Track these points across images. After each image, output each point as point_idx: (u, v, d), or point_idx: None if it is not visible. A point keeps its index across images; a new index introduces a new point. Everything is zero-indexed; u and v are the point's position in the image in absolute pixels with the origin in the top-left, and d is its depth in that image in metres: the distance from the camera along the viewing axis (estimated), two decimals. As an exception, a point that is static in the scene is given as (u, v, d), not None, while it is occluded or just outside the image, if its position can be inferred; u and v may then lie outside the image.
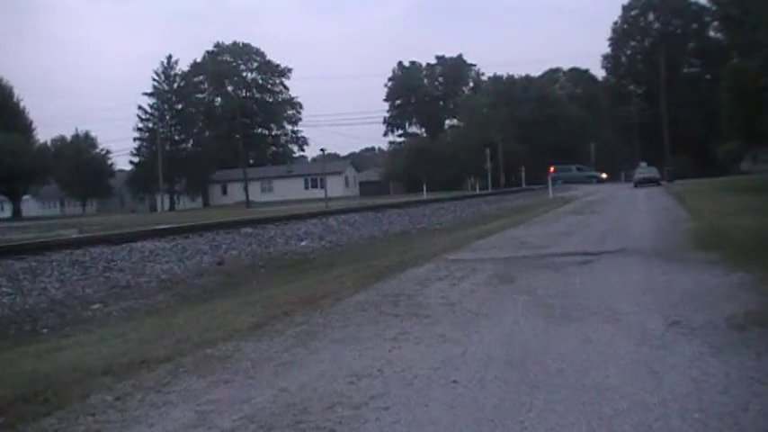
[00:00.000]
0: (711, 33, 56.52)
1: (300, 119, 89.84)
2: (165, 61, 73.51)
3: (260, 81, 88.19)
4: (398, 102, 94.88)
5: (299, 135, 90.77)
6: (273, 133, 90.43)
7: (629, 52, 68.53)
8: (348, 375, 3.53)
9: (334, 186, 60.32)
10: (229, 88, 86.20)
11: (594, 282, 6.12)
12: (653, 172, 42.42)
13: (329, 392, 3.26)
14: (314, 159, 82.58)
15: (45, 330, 7.34)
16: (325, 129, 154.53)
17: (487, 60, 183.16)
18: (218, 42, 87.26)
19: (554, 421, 2.76)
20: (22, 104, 61.80)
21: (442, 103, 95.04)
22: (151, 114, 72.43)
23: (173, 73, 74.00)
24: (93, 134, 75.21)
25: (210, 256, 12.45)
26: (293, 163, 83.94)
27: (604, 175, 57.09)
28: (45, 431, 3.01)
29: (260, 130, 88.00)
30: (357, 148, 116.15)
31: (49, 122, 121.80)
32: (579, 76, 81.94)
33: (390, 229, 18.20)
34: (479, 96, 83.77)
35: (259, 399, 3.24)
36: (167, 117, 72.89)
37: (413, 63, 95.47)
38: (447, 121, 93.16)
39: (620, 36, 67.55)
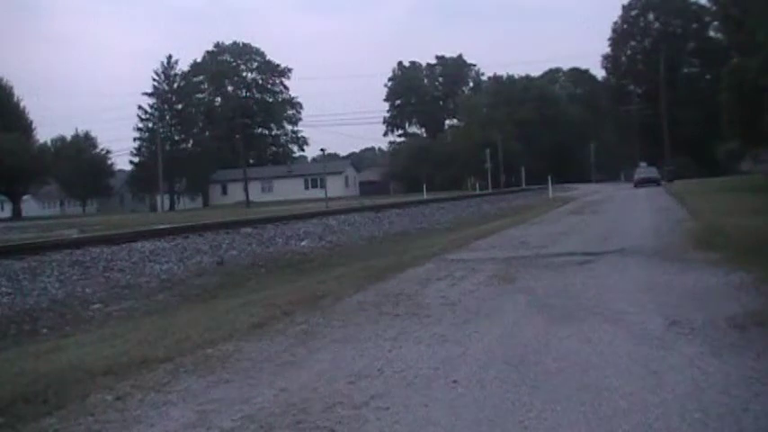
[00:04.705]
0: (711, 33, 56.57)
1: (300, 119, 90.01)
2: (165, 61, 73.61)
3: (260, 81, 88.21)
4: (398, 102, 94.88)
5: (299, 135, 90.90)
6: (273, 133, 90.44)
7: (629, 52, 68.56)
8: (348, 375, 3.53)
9: (334, 186, 60.32)
10: (229, 88, 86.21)
11: (594, 282, 6.11)
12: (653, 172, 42.43)
13: (329, 392, 3.26)
14: (314, 159, 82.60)
15: (45, 330, 7.34)
16: (325, 129, 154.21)
17: (487, 60, 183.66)
18: (218, 42, 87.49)
19: (554, 421, 2.76)
20: (22, 104, 61.81)
21: (441, 103, 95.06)
22: (151, 114, 72.42)
23: (173, 73, 74.01)
24: (93, 134, 75.32)
25: (210, 256, 12.45)
26: (293, 163, 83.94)
27: None
28: (45, 431, 3.01)
29: (260, 130, 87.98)
30: (357, 148, 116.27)
31: (49, 122, 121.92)
32: (579, 76, 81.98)
33: (390, 229, 18.19)
34: (479, 96, 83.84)
35: (259, 399, 3.24)
36: (167, 117, 72.85)
37: (413, 63, 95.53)
38: (447, 121, 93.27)
39: (620, 36, 67.56)
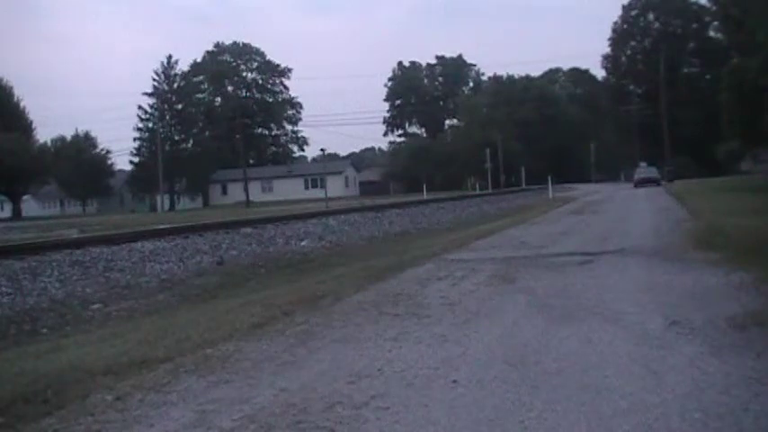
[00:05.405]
0: (711, 33, 56.59)
1: (300, 119, 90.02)
2: (165, 61, 73.59)
3: (260, 81, 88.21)
4: (398, 102, 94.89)
5: (299, 135, 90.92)
6: (273, 133, 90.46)
7: (629, 52, 68.58)
8: (348, 375, 3.53)
9: (334, 186, 60.31)
10: (229, 88, 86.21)
11: (594, 282, 6.11)
12: (653, 172, 42.43)
13: (329, 392, 3.26)
14: (314, 159, 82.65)
15: (45, 330, 7.34)
16: (325, 129, 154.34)
17: (487, 60, 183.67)
18: (218, 42, 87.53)
19: (554, 421, 2.75)
20: (22, 104, 61.81)
21: (442, 103, 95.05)
22: (151, 114, 72.37)
23: (173, 73, 73.95)
24: (93, 134, 75.27)
25: (210, 256, 12.45)
26: (293, 163, 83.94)
27: None
28: (45, 431, 3.01)
29: (260, 130, 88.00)
30: (357, 148, 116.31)
31: (49, 122, 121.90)
32: (579, 76, 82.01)
33: (390, 229, 18.19)
34: (479, 96, 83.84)
35: (259, 399, 3.24)
36: (167, 117, 72.82)
37: (413, 63, 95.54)
38: (447, 121, 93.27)
39: (620, 36, 67.59)
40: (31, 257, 10.71)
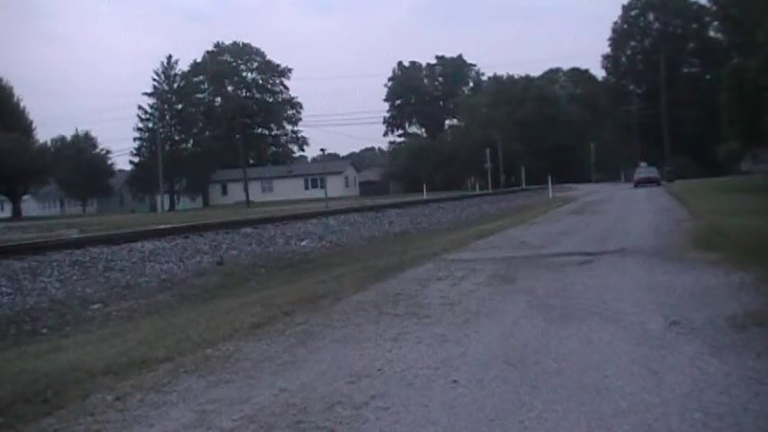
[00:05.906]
0: (711, 33, 56.67)
1: (300, 119, 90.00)
2: (165, 61, 73.62)
3: (260, 81, 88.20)
4: (398, 102, 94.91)
5: (299, 135, 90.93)
6: (273, 133, 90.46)
7: (629, 52, 68.68)
8: (348, 375, 3.53)
9: (334, 186, 60.32)
10: (229, 88, 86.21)
11: (594, 282, 6.11)
12: (653, 172, 42.44)
13: (329, 392, 3.26)
14: (314, 159, 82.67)
15: (45, 330, 7.35)
16: (325, 129, 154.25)
17: (487, 60, 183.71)
18: (218, 42, 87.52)
19: (554, 421, 2.75)
20: (22, 104, 61.77)
21: (442, 103, 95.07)
22: (151, 114, 72.37)
23: (173, 73, 74.00)
24: (93, 134, 75.19)
25: (210, 256, 12.45)
26: (293, 163, 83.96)
27: None
28: (45, 431, 3.01)
29: (260, 130, 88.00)
30: (357, 148, 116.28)
31: (49, 122, 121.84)
32: (579, 76, 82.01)
33: (390, 229, 18.20)
34: (479, 96, 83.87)
35: (259, 399, 3.24)
36: (167, 117, 72.84)
37: (413, 63, 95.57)
38: (447, 121, 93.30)
39: (620, 36, 67.67)
40: (31, 257, 10.71)
